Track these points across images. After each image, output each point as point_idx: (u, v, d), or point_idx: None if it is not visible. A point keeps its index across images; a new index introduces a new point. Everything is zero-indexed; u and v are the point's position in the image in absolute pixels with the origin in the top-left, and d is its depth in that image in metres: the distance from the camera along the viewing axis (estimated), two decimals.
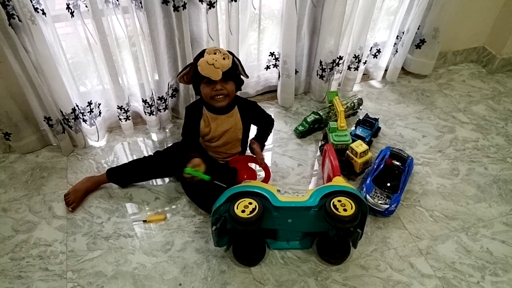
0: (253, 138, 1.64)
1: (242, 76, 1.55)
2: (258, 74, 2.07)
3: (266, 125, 1.69)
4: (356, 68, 2.09)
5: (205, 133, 1.60)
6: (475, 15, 2.17)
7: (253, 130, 1.70)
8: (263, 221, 1.35)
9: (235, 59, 1.49)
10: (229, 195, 1.38)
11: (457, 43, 2.31)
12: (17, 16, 1.41)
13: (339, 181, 1.49)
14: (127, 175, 1.70)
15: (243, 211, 1.33)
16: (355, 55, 2.03)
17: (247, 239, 1.47)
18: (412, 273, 1.47)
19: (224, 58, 1.42)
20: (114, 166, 1.72)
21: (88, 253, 1.51)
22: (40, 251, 1.51)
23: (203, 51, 1.46)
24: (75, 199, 1.62)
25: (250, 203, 1.35)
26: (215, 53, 1.42)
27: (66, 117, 1.72)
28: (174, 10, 1.56)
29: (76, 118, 1.75)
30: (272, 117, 1.71)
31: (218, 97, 1.48)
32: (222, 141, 1.61)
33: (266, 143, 1.68)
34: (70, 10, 1.48)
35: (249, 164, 1.69)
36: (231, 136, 1.60)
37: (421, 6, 1.95)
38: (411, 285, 1.44)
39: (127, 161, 1.75)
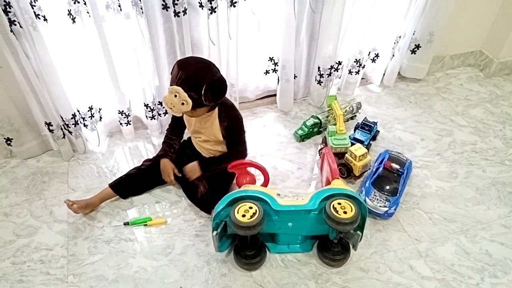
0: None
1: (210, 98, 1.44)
2: (257, 79, 2.09)
3: (229, 148, 1.61)
4: (357, 72, 2.11)
5: (189, 125, 1.63)
6: (472, 19, 2.19)
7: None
8: (263, 225, 1.36)
9: (204, 90, 1.38)
10: (229, 200, 1.39)
11: (455, 47, 2.33)
12: (18, 22, 1.42)
13: (338, 184, 1.50)
14: (130, 186, 1.69)
15: (243, 216, 1.33)
16: (356, 59, 2.05)
17: (248, 243, 1.48)
18: (411, 275, 1.48)
19: (182, 104, 1.40)
20: (117, 178, 1.70)
21: (89, 257, 1.51)
22: (41, 255, 1.52)
23: (181, 62, 1.44)
24: (77, 204, 1.59)
25: (251, 208, 1.35)
26: (175, 96, 1.39)
27: (66, 122, 1.73)
28: (174, 16, 1.58)
29: (76, 123, 1.77)
30: (242, 150, 1.61)
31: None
32: (204, 138, 1.62)
33: (211, 168, 1.62)
34: (71, 16, 1.50)
35: (248, 168, 1.69)
36: (209, 135, 1.60)
37: (417, 11, 1.97)
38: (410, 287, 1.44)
39: (128, 169, 1.75)
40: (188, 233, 1.59)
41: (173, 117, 1.72)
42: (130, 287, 1.43)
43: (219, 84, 1.45)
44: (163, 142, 1.73)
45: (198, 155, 1.71)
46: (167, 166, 1.65)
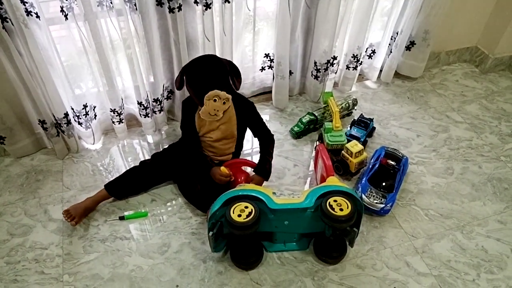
0: (254, 169, 1.63)
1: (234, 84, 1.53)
2: (253, 75, 2.08)
3: (263, 136, 1.67)
4: (355, 68, 2.10)
5: (201, 126, 1.61)
6: (467, 15, 2.19)
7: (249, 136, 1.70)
8: (259, 224, 1.35)
9: (230, 77, 1.47)
10: (225, 199, 1.38)
11: (450, 43, 2.32)
12: (10, 19, 1.40)
13: (334, 181, 1.49)
14: (126, 187, 1.67)
15: (239, 216, 1.32)
16: (353, 54, 2.04)
17: (244, 243, 1.47)
18: (408, 271, 1.48)
19: (224, 103, 1.45)
20: (112, 179, 1.67)
21: (84, 256, 1.50)
22: (36, 254, 1.51)
23: (195, 62, 1.46)
24: (76, 215, 1.57)
25: (246, 207, 1.35)
26: (215, 100, 1.42)
27: (59, 121, 1.72)
28: (169, 12, 1.57)
29: (68, 123, 1.75)
30: (271, 132, 1.68)
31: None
32: (217, 135, 1.61)
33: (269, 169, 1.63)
34: (64, 13, 1.48)
35: (243, 167, 1.68)
36: (226, 129, 1.60)
37: (414, 8, 1.96)
38: (407, 284, 1.44)
39: (124, 170, 1.72)
40: (184, 231, 1.58)
41: (186, 129, 1.64)
42: (126, 286, 1.43)
43: (230, 62, 1.52)
44: (184, 141, 1.70)
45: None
46: (218, 173, 1.56)
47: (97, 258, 1.50)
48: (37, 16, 1.44)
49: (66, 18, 1.50)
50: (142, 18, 1.57)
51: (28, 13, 1.41)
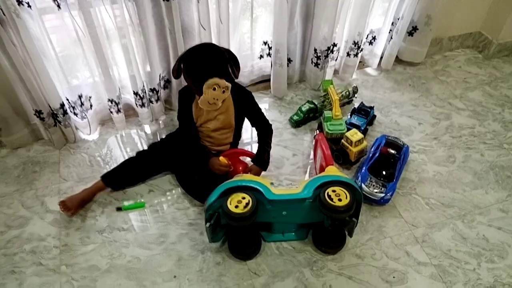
0: (252, 160, 1.62)
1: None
2: (251, 63, 2.05)
3: (261, 126, 1.65)
4: (356, 55, 2.06)
5: (199, 116, 1.59)
6: (470, 0, 2.14)
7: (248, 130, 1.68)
8: (257, 215, 1.34)
9: (229, 65, 1.45)
10: (222, 190, 1.36)
11: (453, 29, 2.28)
12: (1, 9, 1.37)
13: (333, 171, 1.47)
14: (123, 178, 1.66)
15: (236, 207, 1.31)
16: (354, 41, 2.00)
17: (242, 233, 1.46)
18: (408, 261, 1.46)
19: (224, 92, 1.42)
20: (109, 170, 1.66)
21: (81, 247, 1.50)
22: (33, 246, 1.50)
23: (193, 50, 1.43)
24: (72, 206, 1.56)
25: (243, 198, 1.33)
26: (214, 89, 1.40)
27: (55, 112, 1.70)
28: (163, 0, 1.53)
29: (65, 113, 1.73)
30: (270, 122, 1.67)
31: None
32: (215, 125, 1.59)
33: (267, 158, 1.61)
34: (56, 2, 1.45)
35: (241, 157, 1.67)
36: (224, 119, 1.58)
37: None
38: (407, 273, 1.43)
39: (121, 160, 1.70)
40: (181, 221, 1.57)
41: (184, 119, 1.62)
42: (124, 277, 1.42)
43: (228, 50, 1.48)
44: (181, 131, 1.66)
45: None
46: (216, 163, 1.55)
47: (95, 249, 1.49)
48: (29, 6, 1.42)
49: (59, 8, 1.47)
50: (137, 6, 1.54)
51: (20, 2, 1.39)
